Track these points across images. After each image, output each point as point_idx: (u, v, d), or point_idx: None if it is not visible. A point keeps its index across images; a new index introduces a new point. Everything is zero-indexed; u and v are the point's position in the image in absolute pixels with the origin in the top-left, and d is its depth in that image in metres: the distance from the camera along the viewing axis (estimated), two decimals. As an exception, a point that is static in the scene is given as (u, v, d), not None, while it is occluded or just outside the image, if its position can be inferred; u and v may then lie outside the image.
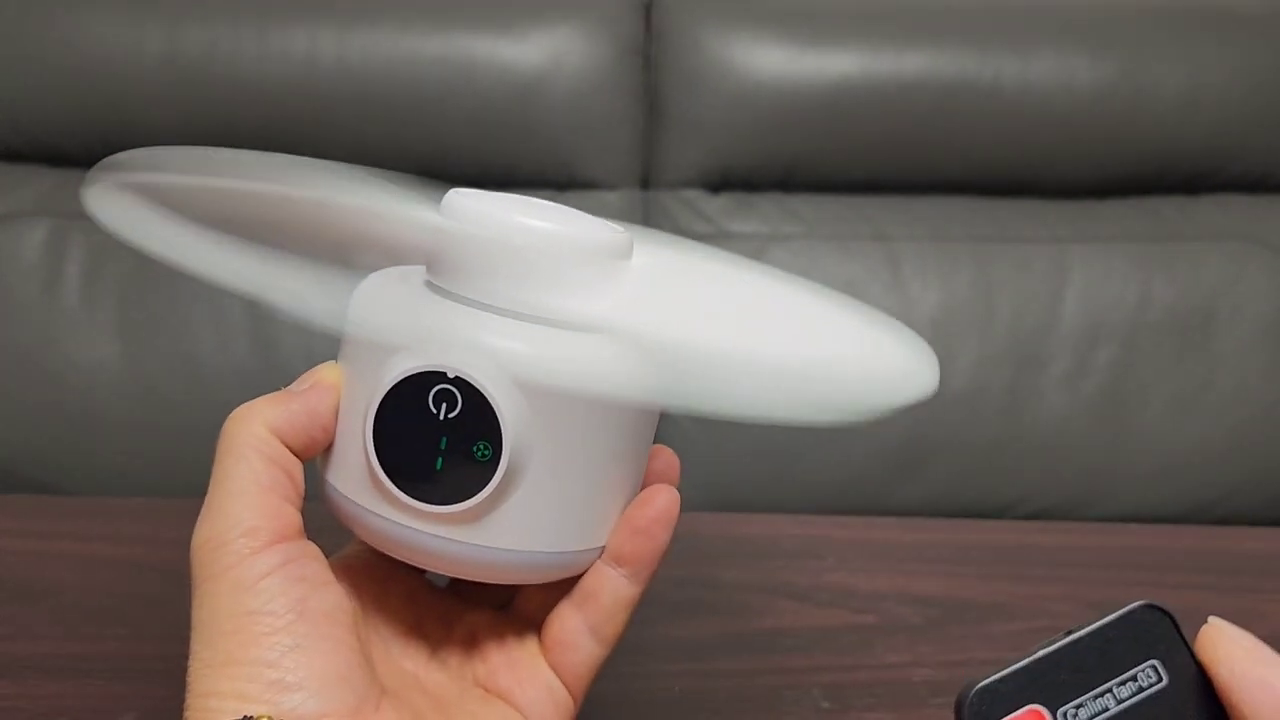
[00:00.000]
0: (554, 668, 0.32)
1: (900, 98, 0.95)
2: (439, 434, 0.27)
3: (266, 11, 0.93)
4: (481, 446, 0.27)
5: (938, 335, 0.93)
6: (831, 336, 0.31)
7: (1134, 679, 0.23)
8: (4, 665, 0.42)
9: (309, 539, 0.29)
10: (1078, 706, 0.23)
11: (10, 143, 0.94)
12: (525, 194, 0.32)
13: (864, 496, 0.93)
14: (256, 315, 0.89)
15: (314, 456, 0.30)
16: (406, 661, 0.31)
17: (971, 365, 0.93)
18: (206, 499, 0.28)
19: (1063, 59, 0.95)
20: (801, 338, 0.30)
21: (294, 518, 0.29)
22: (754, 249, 0.95)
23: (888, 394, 0.29)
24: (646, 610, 0.48)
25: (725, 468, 0.91)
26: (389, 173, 0.31)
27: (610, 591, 0.31)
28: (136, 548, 0.49)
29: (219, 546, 0.27)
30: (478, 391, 0.27)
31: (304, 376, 0.30)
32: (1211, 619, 0.24)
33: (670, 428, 0.90)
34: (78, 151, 0.93)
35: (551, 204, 0.31)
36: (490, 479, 0.27)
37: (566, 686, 0.32)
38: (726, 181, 0.98)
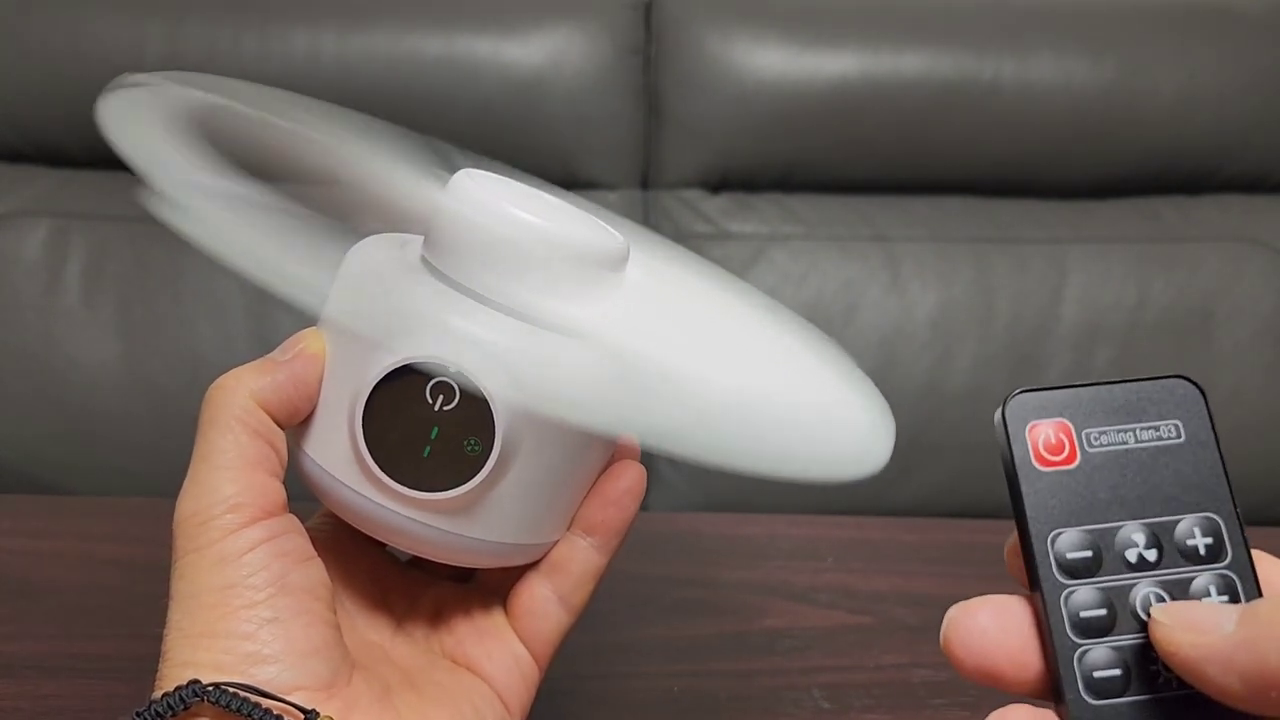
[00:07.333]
0: (521, 636, 0.32)
1: (900, 98, 0.95)
2: (431, 424, 0.28)
3: (267, 11, 0.93)
4: (473, 442, 0.27)
5: (937, 335, 0.93)
6: (802, 390, 0.32)
7: (1155, 429, 0.25)
8: (4, 665, 0.42)
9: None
10: (1100, 432, 0.25)
11: (10, 143, 0.94)
12: None
13: (863, 496, 0.92)
14: (258, 314, 0.89)
15: (294, 425, 0.30)
16: (372, 634, 0.32)
17: (971, 365, 0.93)
18: (190, 470, 0.28)
19: (1062, 59, 0.95)
20: (773, 387, 0.31)
21: (278, 493, 0.29)
22: (753, 249, 0.95)
23: (837, 467, 0.30)
24: (645, 610, 0.48)
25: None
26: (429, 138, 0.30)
27: (580, 561, 0.31)
28: (136, 548, 0.49)
29: (204, 522, 0.27)
30: (478, 390, 0.27)
31: (287, 344, 0.30)
32: None
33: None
34: (78, 151, 0.93)
35: (559, 200, 0.31)
36: (477, 473, 0.28)
37: (533, 655, 0.32)
38: (726, 182, 0.98)
